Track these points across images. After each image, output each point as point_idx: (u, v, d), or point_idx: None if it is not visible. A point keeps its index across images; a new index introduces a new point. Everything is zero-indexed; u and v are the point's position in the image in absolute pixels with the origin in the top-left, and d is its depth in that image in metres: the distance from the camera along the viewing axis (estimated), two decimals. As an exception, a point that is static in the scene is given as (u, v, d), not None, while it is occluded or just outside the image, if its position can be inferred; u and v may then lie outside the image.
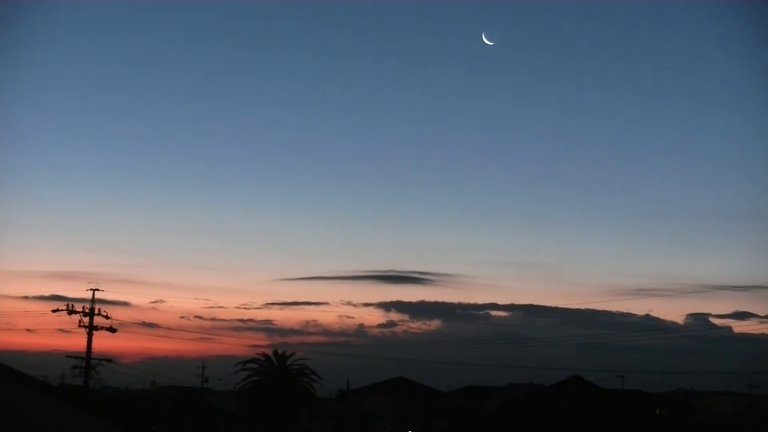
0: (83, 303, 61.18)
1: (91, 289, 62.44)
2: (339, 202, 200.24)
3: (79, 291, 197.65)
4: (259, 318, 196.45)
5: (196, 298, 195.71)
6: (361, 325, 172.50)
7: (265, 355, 73.70)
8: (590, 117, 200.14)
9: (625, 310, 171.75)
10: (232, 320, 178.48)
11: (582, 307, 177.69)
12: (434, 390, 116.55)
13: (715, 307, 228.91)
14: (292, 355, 74.26)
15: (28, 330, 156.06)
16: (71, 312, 59.88)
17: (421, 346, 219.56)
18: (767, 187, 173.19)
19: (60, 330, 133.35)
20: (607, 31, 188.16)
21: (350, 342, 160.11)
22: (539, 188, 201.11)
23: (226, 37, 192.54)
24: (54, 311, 60.24)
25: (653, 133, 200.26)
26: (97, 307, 61.24)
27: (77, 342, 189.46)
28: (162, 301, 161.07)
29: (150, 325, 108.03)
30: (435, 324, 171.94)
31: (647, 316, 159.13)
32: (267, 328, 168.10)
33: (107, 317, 61.06)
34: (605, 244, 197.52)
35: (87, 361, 60.31)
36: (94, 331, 60.85)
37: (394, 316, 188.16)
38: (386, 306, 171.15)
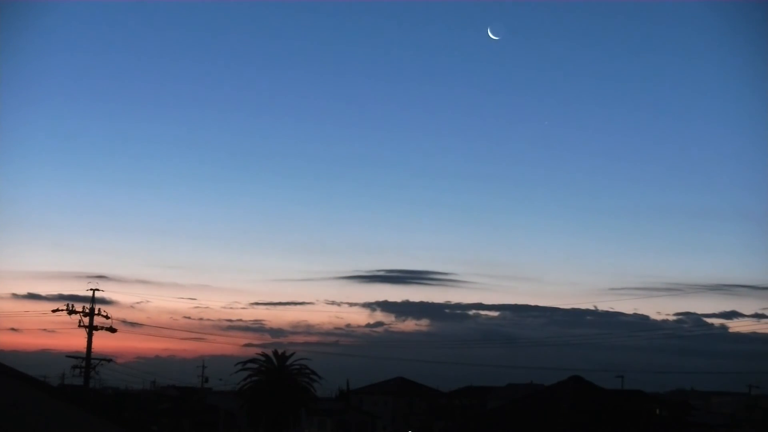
0: (59, 302, 60.86)
1: (91, 289, 62.44)
2: (317, 202, 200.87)
3: (55, 290, 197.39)
4: (246, 318, 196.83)
5: (181, 298, 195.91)
6: (349, 325, 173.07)
7: (264, 355, 73.59)
8: (585, 117, 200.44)
9: (610, 309, 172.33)
10: (220, 320, 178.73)
11: (568, 306, 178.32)
12: (434, 390, 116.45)
13: (703, 306, 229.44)
14: (291, 355, 74.24)
15: (13, 329, 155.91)
16: (71, 312, 59.57)
17: (413, 346, 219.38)
18: (757, 187, 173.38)
19: (44, 330, 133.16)
20: (604, 29, 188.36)
21: (340, 342, 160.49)
22: (526, 187, 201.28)
23: (216, 37, 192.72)
24: (54, 311, 60.02)
25: (648, 132, 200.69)
26: (97, 307, 61.06)
27: (66, 341, 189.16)
28: (147, 301, 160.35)
29: (134, 324, 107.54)
30: (424, 324, 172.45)
31: (635, 314, 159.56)
32: (257, 327, 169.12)
33: (107, 317, 60.82)
34: (588, 244, 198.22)
35: (87, 361, 60.04)
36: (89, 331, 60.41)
37: (380, 316, 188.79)
38: (371, 306, 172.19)
